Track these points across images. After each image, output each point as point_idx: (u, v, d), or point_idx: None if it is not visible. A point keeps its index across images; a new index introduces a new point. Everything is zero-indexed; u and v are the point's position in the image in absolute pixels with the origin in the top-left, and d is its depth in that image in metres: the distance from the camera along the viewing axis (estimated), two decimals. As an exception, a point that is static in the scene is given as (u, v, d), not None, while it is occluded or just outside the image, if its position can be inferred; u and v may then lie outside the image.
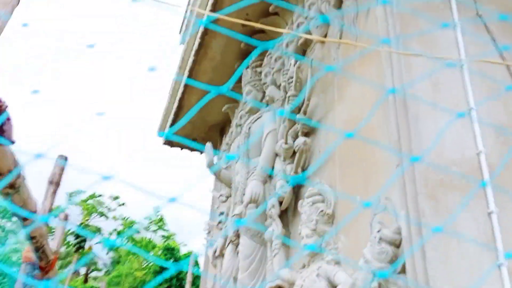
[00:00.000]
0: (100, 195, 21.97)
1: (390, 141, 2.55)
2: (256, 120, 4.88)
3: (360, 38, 3.38)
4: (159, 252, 18.63)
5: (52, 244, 3.59)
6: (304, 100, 3.93)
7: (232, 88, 5.98)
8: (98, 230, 21.27)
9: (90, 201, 21.55)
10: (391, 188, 2.45)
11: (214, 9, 5.03)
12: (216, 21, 4.75)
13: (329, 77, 3.86)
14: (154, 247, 19.72)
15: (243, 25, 5.04)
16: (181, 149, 7.50)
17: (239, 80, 5.53)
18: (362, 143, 3.02)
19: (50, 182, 3.55)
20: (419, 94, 2.55)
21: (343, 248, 2.94)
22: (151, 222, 21.88)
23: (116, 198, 22.25)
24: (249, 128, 4.87)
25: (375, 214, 2.60)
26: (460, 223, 2.15)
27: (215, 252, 4.92)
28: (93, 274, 20.90)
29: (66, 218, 5.01)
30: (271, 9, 5.04)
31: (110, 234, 21.36)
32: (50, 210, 3.66)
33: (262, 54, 5.29)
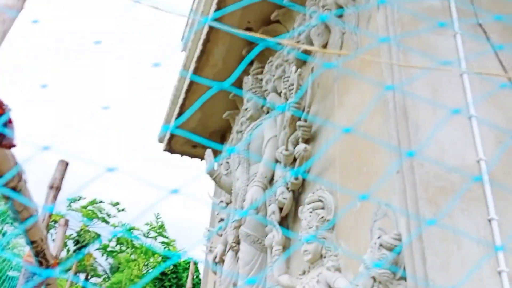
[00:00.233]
0: (101, 201, 21.95)
1: (390, 147, 2.56)
2: (256, 127, 4.89)
3: (361, 45, 3.41)
4: (159, 259, 18.59)
5: (52, 248, 3.59)
6: (304, 108, 3.95)
7: (232, 98, 6.01)
8: (98, 236, 21.22)
9: (90, 207, 21.52)
10: (392, 194, 2.46)
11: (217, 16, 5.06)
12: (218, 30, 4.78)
13: (330, 84, 3.88)
14: (154, 253, 19.66)
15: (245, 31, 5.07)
16: (181, 155, 7.51)
17: (240, 87, 5.55)
18: (362, 149, 3.03)
19: (51, 187, 3.56)
20: (419, 100, 2.57)
21: (343, 254, 2.94)
22: (151, 229, 21.84)
23: (116, 204, 22.22)
24: (250, 134, 4.89)
25: (375, 220, 2.60)
26: (461, 229, 2.15)
27: (215, 258, 4.91)
28: (93, 280, 20.82)
29: (66, 224, 5.02)
30: (272, 17, 5.08)
31: (110, 240, 21.31)
32: (50, 215, 3.66)
33: (263, 62, 5.32)
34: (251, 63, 5.55)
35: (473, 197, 2.28)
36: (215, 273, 5.02)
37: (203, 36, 5.47)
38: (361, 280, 2.40)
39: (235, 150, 4.84)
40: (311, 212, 3.27)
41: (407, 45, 2.81)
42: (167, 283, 18.54)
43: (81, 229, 20.86)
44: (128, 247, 20.98)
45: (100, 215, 21.63)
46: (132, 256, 20.59)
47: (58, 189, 3.49)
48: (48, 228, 3.45)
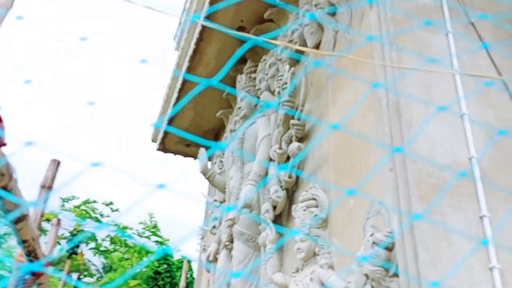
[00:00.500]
0: (94, 201, 21.83)
1: (383, 145, 2.57)
2: (250, 126, 4.89)
3: (354, 43, 3.41)
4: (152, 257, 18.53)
5: (45, 248, 3.57)
6: (298, 106, 3.95)
7: (226, 96, 6.00)
8: (91, 236, 21.11)
9: (83, 207, 21.40)
10: (385, 191, 2.47)
11: (209, 16, 5.05)
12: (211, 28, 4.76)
13: (323, 82, 3.89)
14: (147, 252, 19.61)
15: (238, 30, 5.07)
16: (175, 154, 7.49)
17: (234, 86, 5.55)
18: (356, 147, 3.04)
19: (42, 187, 3.54)
20: (411, 99, 2.58)
21: (336, 252, 2.94)
22: (145, 228, 21.78)
23: (109, 204, 22.11)
24: (243, 133, 4.88)
25: (368, 218, 2.61)
26: (453, 226, 2.17)
27: (208, 256, 4.91)
28: (86, 279, 20.72)
29: (58, 223, 4.99)
30: (266, 15, 5.07)
31: (103, 240, 21.22)
32: (42, 214, 3.64)
33: (257, 60, 5.32)
34: (245, 61, 5.55)
35: (464, 194, 2.30)
36: (208, 271, 5.02)
37: (196, 35, 5.46)
38: (354, 278, 2.41)
39: (225, 147, 4.84)
40: (304, 210, 3.27)
41: (399, 43, 2.82)
42: (160, 282, 18.50)
43: (74, 229, 20.73)
44: (121, 246, 20.91)
45: (93, 215, 21.51)
46: (125, 256, 20.53)
47: (49, 188, 3.48)
48: (40, 227, 3.43)
